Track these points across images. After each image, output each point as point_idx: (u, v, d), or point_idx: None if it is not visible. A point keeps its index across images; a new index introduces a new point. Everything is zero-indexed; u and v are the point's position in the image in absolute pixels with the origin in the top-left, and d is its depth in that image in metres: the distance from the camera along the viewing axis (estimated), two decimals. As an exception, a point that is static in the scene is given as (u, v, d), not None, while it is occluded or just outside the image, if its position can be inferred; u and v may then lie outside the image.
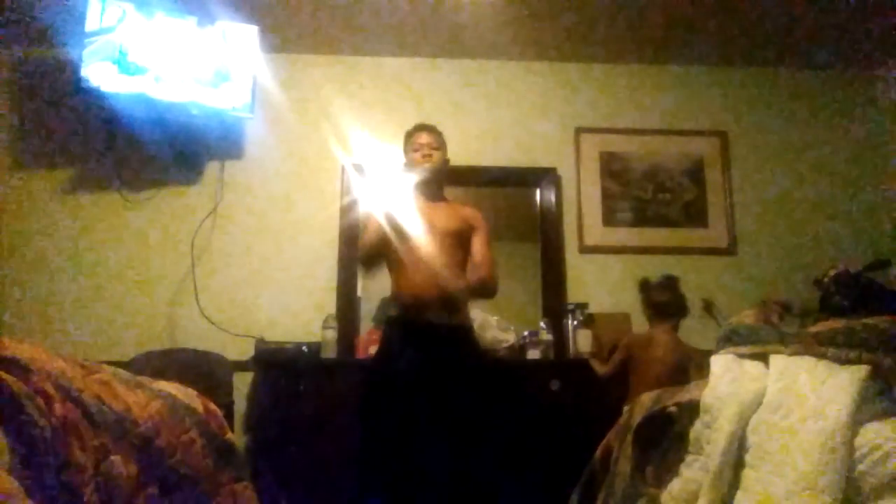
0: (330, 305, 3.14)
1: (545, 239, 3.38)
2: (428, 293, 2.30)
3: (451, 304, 2.33)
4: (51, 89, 3.31)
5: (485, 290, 2.43)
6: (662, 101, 3.60)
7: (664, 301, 2.71)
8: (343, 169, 3.34)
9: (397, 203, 2.43)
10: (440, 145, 2.54)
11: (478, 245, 2.45)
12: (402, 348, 2.29)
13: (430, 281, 2.31)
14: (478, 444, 2.20)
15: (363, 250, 2.49)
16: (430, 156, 2.48)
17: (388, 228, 2.38)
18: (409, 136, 2.56)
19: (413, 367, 2.22)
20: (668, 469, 1.69)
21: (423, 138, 2.52)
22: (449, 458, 2.15)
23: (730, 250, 3.43)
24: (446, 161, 2.56)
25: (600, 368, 2.78)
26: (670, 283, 2.77)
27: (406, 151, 2.56)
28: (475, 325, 3.01)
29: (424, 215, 2.41)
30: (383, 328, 2.48)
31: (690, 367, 2.52)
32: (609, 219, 3.43)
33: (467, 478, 2.16)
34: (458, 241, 2.43)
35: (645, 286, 2.84)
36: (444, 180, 2.58)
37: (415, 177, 2.49)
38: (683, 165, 3.51)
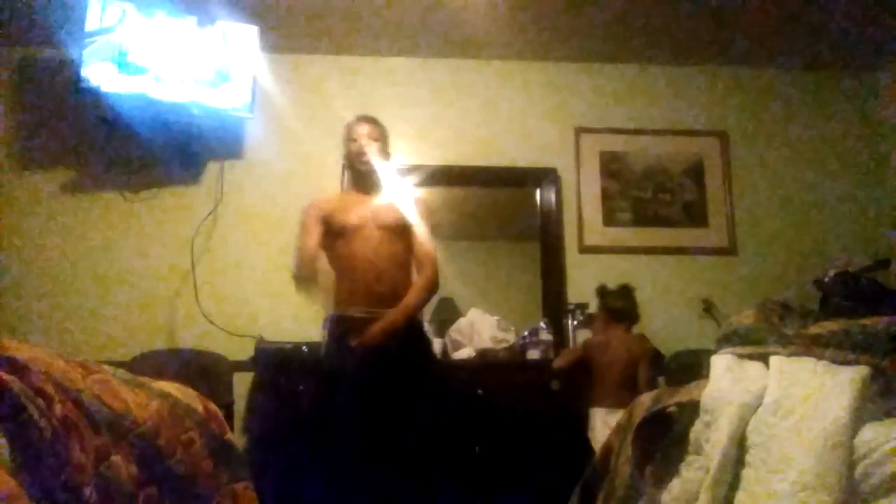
0: (330, 305, 3.14)
1: (545, 239, 3.38)
2: (371, 292, 2.27)
3: (394, 301, 2.28)
4: (51, 89, 3.31)
5: (433, 290, 2.39)
6: (662, 101, 3.60)
7: (619, 307, 2.82)
8: (343, 169, 3.33)
9: (335, 200, 2.41)
10: (379, 136, 2.48)
11: (418, 238, 2.37)
12: (346, 349, 2.24)
13: (373, 279, 2.27)
14: (444, 446, 2.16)
15: (298, 264, 2.43)
16: (367, 145, 2.43)
17: (320, 228, 2.35)
18: (349, 127, 2.51)
19: (359, 366, 2.18)
20: (668, 469, 1.68)
21: (362, 128, 2.46)
22: (411, 462, 2.09)
23: (730, 250, 3.43)
24: (385, 152, 2.50)
25: (557, 360, 2.84)
26: (626, 291, 2.87)
27: (344, 142, 2.51)
28: (473, 324, 3.02)
29: (363, 209, 2.37)
30: (327, 330, 2.40)
31: (641, 362, 2.64)
32: (609, 219, 3.43)
33: (437, 479, 2.12)
34: (399, 235, 2.37)
35: (602, 292, 2.90)
36: (379, 172, 2.50)
37: (354, 168, 2.47)
38: (683, 165, 3.51)
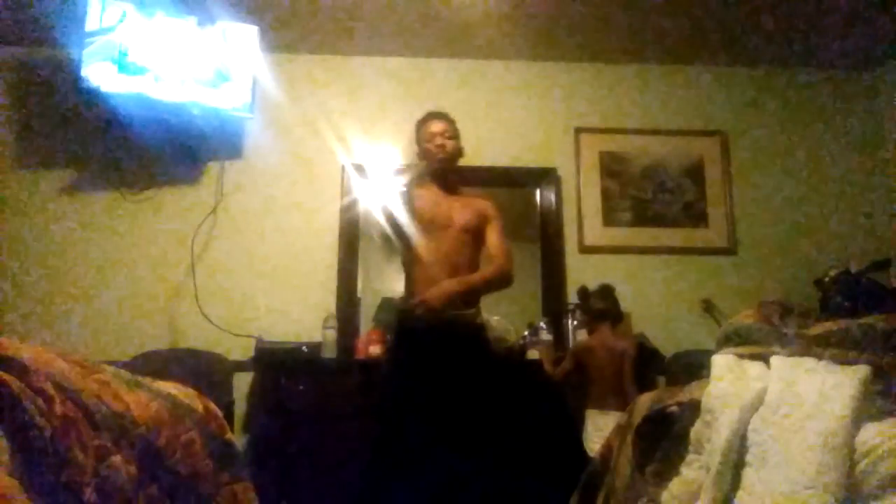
0: (330, 305, 3.14)
1: (545, 239, 3.38)
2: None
3: (467, 301, 2.30)
4: (51, 89, 3.31)
5: (503, 280, 2.39)
6: (662, 101, 3.60)
7: (600, 308, 2.82)
8: (343, 169, 3.34)
9: (409, 196, 2.39)
10: (454, 134, 2.47)
11: (493, 237, 2.41)
12: (416, 344, 2.25)
13: (446, 277, 2.27)
14: (486, 441, 2.18)
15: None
16: (443, 146, 2.43)
17: (403, 224, 2.35)
18: (422, 124, 2.49)
19: (428, 362, 2.19)
20: (668, 469, 1.69)
21: (437, 126, 2.45)
22: (458, 455, 2.12)
23: (730, 250, 3.43)
24: (461, 149, 2.50)
25: (552, 371, 2.84)
26: (606, 291, 2.87)
27: (419, 141, 2.49)
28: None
29: (439, 208, 2.38)
30: (397, 322, 2.43)
31: (625, 361, 2.65)
32: (609, 219, 3.43)
33: (475, 475, 2.14)
34: (474, 235, 2.40)
35: (583, 294, 2.90)
36: (458, 170, 2.53)
37: (430, 166, 2.44)
38: (683, 165, 3.51)
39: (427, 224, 2.36)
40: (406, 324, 2.34)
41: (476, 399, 2.19)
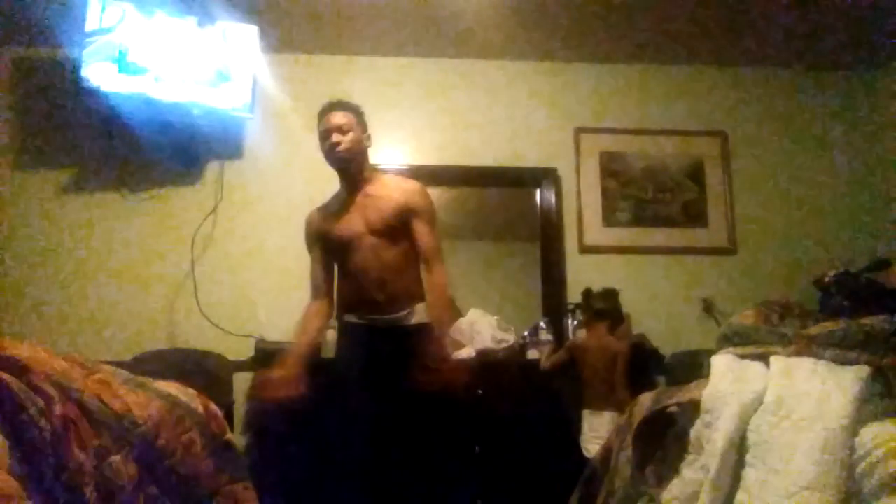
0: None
1: (545, 239, 3.38)
2: (374, 302, 2.15)
3: (398, 307, 2.16)
4: (51, 89, 3.31)
5: (447, 292, 2.20)
6: (662, 101, 3.59)
7: (600, 308, 2.84)
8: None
9: (327, 210, 2.26)
10: (353, 126, 2.18)
11: (421, 234, 2.15)
12: (358, 353, 2.17)
13: (375, 287, 2.13)
14: (444, 446, 2.13)
15: (314, 294, 2.31)
16: (338, 142, 2.15)
17: (319, 247, 2.26)
18: (319, 117, 2.21)
19: (373, 369, 2.10)
20: (668, 469, 1.69)
21: (333, 119, 2.17)
22: (412, 462, 2.07)
23: (730, 250, 3.43)
24: (362, 141, 2.22)
25: (544, 362, 2.85)
26: (609, 293, 2.89)
27: (319, 138, 2.22)
28: (473, 325, 3.02)
29: (346, 219, 2.20)
30: (338, 332, 2.34)
31: (618, 362, 2.66)
32: (609, 219, 3.43)
33: (470, 480, 2.13)
34: (395, 234, 2.17)
35: (587, 294, 2.92)
36: (364, 161, 2.26)
37: (331, 166, 2.23)
38: (683, 165, 3.51)
39: (338, 238, 2.21)
40: (347, 335, 2.24)
41: (425, 402, 2.03)
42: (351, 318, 2.23)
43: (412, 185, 2.25)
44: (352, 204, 2.22)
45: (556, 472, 2.39)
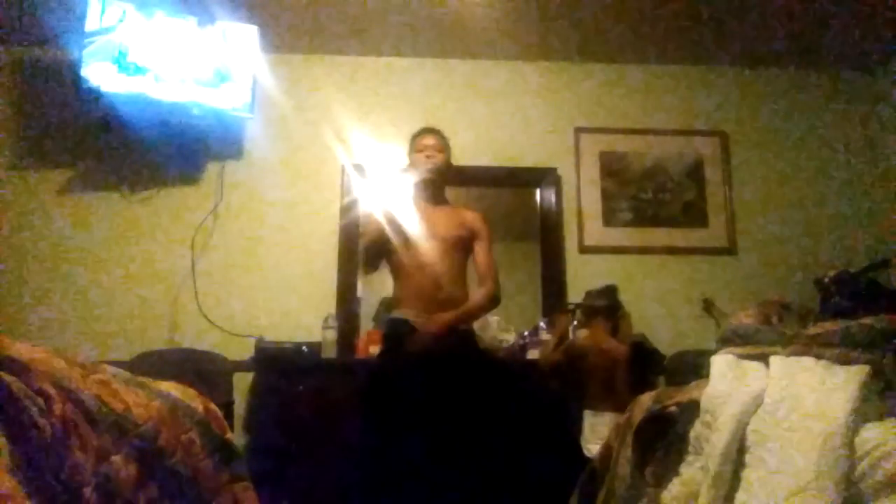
0: (330, 305, 3.14)
1: (545, 239, 3.38)
2: (429, 299, 2.31)
3: (450, 307, 2.32)
4: (51, 89, 3.31)
5: (492, 304, 2.46)
6: (662, 101, 3.60)
7: (598, 305, 2.85)
8: (343, 169, 3.34)
9: (399, 205, 2.43)
10: (443, 148, 2.55)
11: (481, 254, 2.46)
12: (404, 353, 2.26)
13: (431, 287, 2.32)
14: (480, 446, 2.18)
15: (364, 246, 2.50)
16: (432, 157, 2.50)
17: (388, 229, 2.38)
18: (415, 138, 2.57)
19: (416, 372, 2.19)
20: (668, 469, 1.69)
21: (428, 140, 2.53)
22: (451, 461, 2.13)
23: (730, 250, 3.43)
24: (449, 164, 2.57)
25: (542, 357, 2.87)
26: (608, 290, 2.90)
27: (410, 153, 2.58)
28: (475, 326, 3.02)
29: (426, 219, 2.42)
30: (385, 331, 2.47)
31: (619, 364, 2.67)
32: (609, 219, 3.43)
33: (469, 479, 2.15)
34: (460, 248, 2.44)
35: (588, 294, 2.93)
36: (445, 183, 2.58)
37: (416, 177, 2.49)
38: (683, 165, 3.51)
39: (413, 239, 2.40)
40: (395, 334, 2.36)
41: (469, 405, 2.19)
42: (407, 314, 2.34)
43: (477, 213, 2.55)
44: (431, 213, 2.46)
45: (557, 472, 2.39)
